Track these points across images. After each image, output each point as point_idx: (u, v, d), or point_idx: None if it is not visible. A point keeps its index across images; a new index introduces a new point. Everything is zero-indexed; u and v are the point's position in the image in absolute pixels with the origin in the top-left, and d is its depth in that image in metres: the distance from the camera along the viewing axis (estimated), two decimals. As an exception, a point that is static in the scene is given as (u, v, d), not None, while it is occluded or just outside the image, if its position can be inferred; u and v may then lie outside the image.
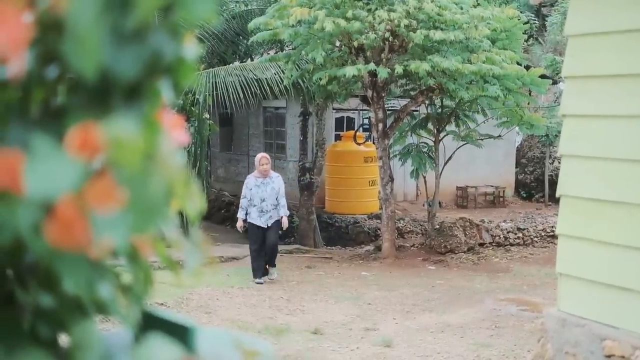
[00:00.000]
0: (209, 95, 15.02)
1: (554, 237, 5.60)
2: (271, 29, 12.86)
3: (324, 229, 17.07)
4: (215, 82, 15.07)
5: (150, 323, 1.23)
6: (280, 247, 15.34)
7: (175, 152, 1.21)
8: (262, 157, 11.26)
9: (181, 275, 1.24)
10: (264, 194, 11.02)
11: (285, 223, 11.24)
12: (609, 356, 5.10)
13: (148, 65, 1.08)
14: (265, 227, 11.11)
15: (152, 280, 1.21)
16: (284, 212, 11.16)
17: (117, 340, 1.21)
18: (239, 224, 11.25)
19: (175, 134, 1.21)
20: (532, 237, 16.09)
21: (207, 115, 15.88)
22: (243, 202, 11.20)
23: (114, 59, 1.03)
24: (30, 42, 1.01)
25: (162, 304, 9.04)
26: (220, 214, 20.35)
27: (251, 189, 11.09)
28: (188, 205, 1.23)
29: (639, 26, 4.92)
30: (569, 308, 5.47)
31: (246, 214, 11.15)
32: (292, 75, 13.77)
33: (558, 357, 5.48)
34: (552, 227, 14.90)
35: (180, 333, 1.20)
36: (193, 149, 15.12)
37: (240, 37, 16.99)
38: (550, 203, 19.55)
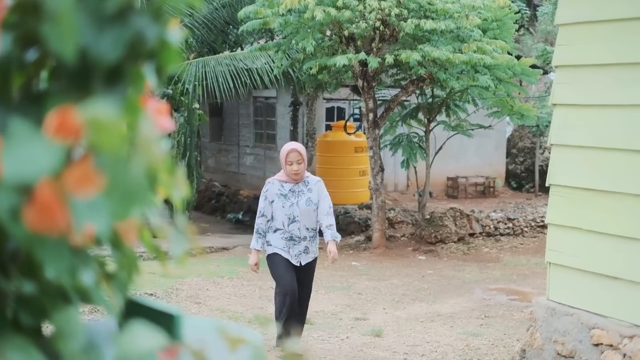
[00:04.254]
0: (199, 84, 14.97)
1: (544, 227, 5.60)
2: (261, 18, 12.80)
3: (314, 219, 17.04)
4: (205, 71, 15.02)
5: (135, 311, 1.22)
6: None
7: (160, 138, 1.20)
8: (291, 151, 6.66)
9: (168, 264, 1.23)
10: (295, 210, 6.61)
11: (334, 252, 6.57)
12: (597, 345, 5.11)
13: (130, 48, 1.07)
14: (298, 265, 6.69)
15: (138, 268, 1.20)
16: (331, 235, 6.62)
17: (101, 328, 1.19)
18: (252, 261, 6.79)
19: (160, 120, 1.19)
20: (522, 227, 16.11)
21: (197, 105, 15.83)
22: (259, 222, 6.73)
23: (94, 40, 1.01)
24: (9, 24, 0.99)
25: (152, 294, 9.03)
26: (211, 204, 20.33)
27: (273, 201, 6.64)
28: (173, 192, 1.21)
29: (629, 15, 4.92)
30: (558, 297, 5.48)
31: (263, 242, 6.80)
32: (282, 65, 13.74)
33: (547, 345, 5.49)
34: (542, 217, 14.92)
35: (165, 321, 1.19)
36: (183, 139, 15.07)
37: (230, 26, 16.93)
38: (540, 193, 19.58)
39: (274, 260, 6.71)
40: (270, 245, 6.73)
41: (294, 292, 6.60)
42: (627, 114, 4.94)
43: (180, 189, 1.21)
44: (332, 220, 6.72)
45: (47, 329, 1.06)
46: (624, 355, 4.93)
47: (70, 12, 0.94)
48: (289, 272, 6.66)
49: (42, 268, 0.98)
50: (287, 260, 6.67)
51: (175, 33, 1.15)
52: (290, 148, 6.74)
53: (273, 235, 6.70)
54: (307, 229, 6.69)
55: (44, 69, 1.07)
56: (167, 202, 1.21)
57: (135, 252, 1.17)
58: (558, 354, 5.41)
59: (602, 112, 5.13)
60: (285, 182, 6.72)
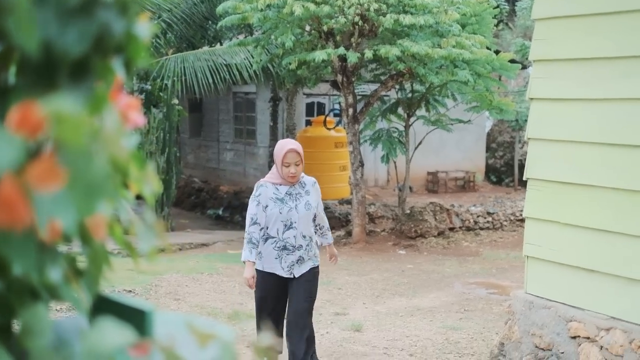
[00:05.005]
0: (178, 80, 14.92)
1: (523, 220, 5.64)
2: (240, 13, 12.76)
3: (294, 215, 17.02)
4: (184, 67, 14.97)
5: (106, 307, 1.21)
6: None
7: (128, 133, 1.19)
8: (289, 151, 5.80)
9: (139, 259, 1.23)
10: (293, 216, 5.84)
11: (335, 254, 6.46)
12: (574, 337, 5.14)
13: (96, 42, 1.06)
14: (291, 277, 5.92)
15: (109, 264, 1.19)
16: (329, 239, 6.32)
17: (71, 325, 1.18)
18: (248, 274, 5.78)
19: (130, 114, 1.18)
20: (501, 221, 16.18)
21: (176, 101, 15.79)
22: (251, 231, 5.81)
23: (58, 34, 1.00)
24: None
25: (130, 291, 9.00)
26: (190, 200, 20.27)
27: (267, 206, 5.82)
28: (144, 187, 1.20)
29: (605, 10, 4.94)
30: (536, 290, 5.50)
31: (256, 253, 5.89)
32: (261, 60, 13.71)
33: (525, 338, 5.52)
34: (521, 211, 14.97)
35: (136, 317, 1.18)
36: (162, 134, 15.02)
37: (209, 22, 16.86)
38: (519, 187, 19.67)
39: (259, 281, 5.84)
40: (261, 257, 5.86)
41: (275, 316, 5.97)
42: (603, 108, 4.97)
43: (150, 184, 1.21)
44: (327, 225, 6.27)
45: (16, 326, 1.05)
46: (601, 347, 4.96)
47: (27, 3, 0.93)
48: (273, 295, 5.90)
49: (9, 265, 0.97)
50: (275, 279, 5.85)
51: (144, 27, 1.14)
52: (288, 148, 5.76)
53: (264, 245, 5.83)
54: (304, 236, 5.85)
55: (11, 63, 1.06)
56: (140, 197, 1.20)
57: (105, 248, 1.16)
58: (536, 346, 5.43)
59: (579, 106, 5.15)
60: (280, 185, 5.85)
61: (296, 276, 5.89)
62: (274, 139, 17.11)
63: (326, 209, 17.25)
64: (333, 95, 17.64)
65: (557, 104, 5.33)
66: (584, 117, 5.11)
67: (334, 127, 16.96)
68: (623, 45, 4.84)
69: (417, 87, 14.89)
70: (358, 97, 14.37)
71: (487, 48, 13.50)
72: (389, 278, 10.90)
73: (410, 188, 18.33)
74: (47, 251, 1.05)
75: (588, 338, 5.07)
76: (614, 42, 4.89)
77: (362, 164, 13.83)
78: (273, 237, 5.84)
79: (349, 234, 14.35)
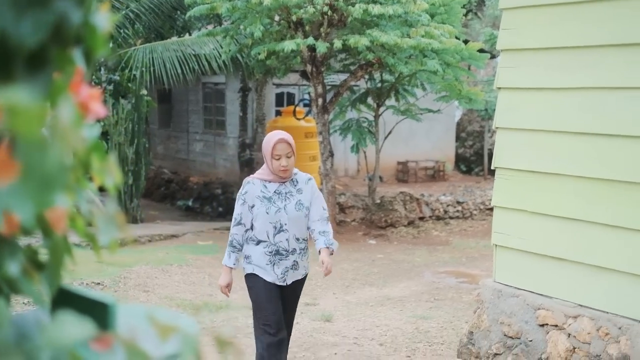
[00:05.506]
0: (146, 71, 14.82)
1: (492, 209, 5.67)
2: (208, 3, 12.69)
3: (265, 205, 17.00)
4: (153, 57, 14.88)
5: (68, 301, 1.20)
6: (220, 224, 15.31)
7: (90, 124, 1.17)
8: (278, 142, 5.20)
9: (101, 251, 1.21)
10: (282, 217, 5.22)
11: (328, 263, 5.19)
12: (542, 325, 5.18)
13: (53, 33, 1.04)
14: (284, 284, 5.30)
15: (71, 257, 1.18)
16: (325, 242, 5.26)
17: (32, 319, 1.17)
18: (223, 281, 5.34)
19: (91, 106, 1.17)
20: (471, 210, 16.27)
21: (145, 92, 15.69)
22: (234, 233, 5.31)
23: (13, 24, 0.99)
24: None
25: (99, 283, 8.94)
26: (160, 191, 20.18)
27: (253, 206, 5.24)
28: (105, 179, 1.19)
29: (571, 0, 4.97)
30: (504, 279, 5.53)
31: (237, 258, 5.37)
32: (230, 50, 13.65)
33: (494, 327, 5.55)
34: (491, 200, 15.09)
35: (99, 310, 1.17)
36: (130, 125, 14.92)
37: (178, 12, 16.77)
38: (489, 176, 19.78)
39: (255, 285, 5.25)
40: (251, 262, 5.25)
41: (282, 330, 5.27)
42: (570, 97, 5.00)
43: (112, 175, 1.19)
44: (328, 227, 5.36)
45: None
46: (569, 335, 5.00)
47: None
48: (274, 303, 5.23)
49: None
50: (271, 284, 5.23)
51: (103, 17, 1.13)
52: (277, 138, 5.19)
53: (254, 248, 5.22)
54: (297, 239, 5.25)
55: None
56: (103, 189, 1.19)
57: (67, 241, 1.15)
58: (505, 335, 5.47)
59: (546, 95, 5.18)
60: (269, 182, 5.26)
61: (288, 283, 5.26)
62: (243, 130, 17.07)
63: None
64: (303, 85, 17.61)
65: (524, 93, 5.35)
66: (551, 106, 5.13)
67: (304, 117, 16.93)
68: (589, 35, 4.87)
69: (386, 77, 14.92)
70: (327, 87, 14.37)
71: (456, 38, 13.53)
72: (359, 268, 10.92)
73: (381, 178, 18.38)
74: (5, 244, 1.03)
75: (556, 326, 5.11)
76: (580, 31, 4.92)
77: (331, 154, 13.83)
78: (264, 241, 5.18)
79: (319, 224, 14.33)
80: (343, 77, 14.70)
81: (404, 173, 19.81)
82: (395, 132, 16.09)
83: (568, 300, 5.11)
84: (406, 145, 19.53)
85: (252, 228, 5.24)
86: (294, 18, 12.33)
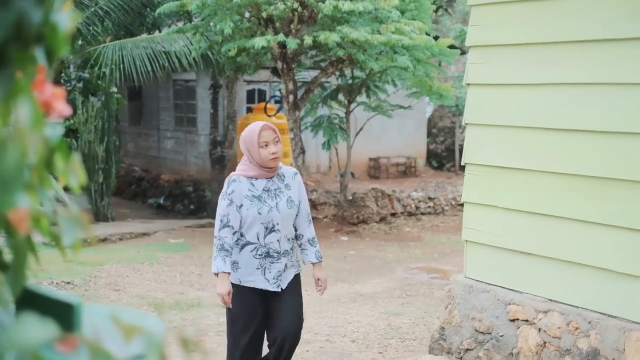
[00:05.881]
0: (116, 68, 14.72)
1: (463, 205, 5.70)
2: (178, 0, 12.63)
3: (237, 202, 16.98)
4: (122, 54, 14.78)
5: (33, 301, 1.19)
6: (192, 222, 15.25)
7: (52, 123, 1.16)
8: (263, 128, 4.85)
9: (65, 251, 1.20)
10: (275, 216, 4.83)
11: (325, 280, 5.19)
12: (513, 320, 5.21)
13: (13, 31, 1.03)
14: (278, 289, 4.89)
15: (36, 257, 1.17)
16: (317, 256, 5.11)
17: (-3, 320, 1.16)
18: (224, 289, 4.69)
19: (55, 104, 1.16)
20: (442, 206, 16.33)
21: (115, 89, 15.59)
22: (223, 236, 4.74)
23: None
24: None
25: (69, 282, 8.88)
26: (131, 189, 20.07)
27: (241, 206, 4.80)
28: (69, 178, 1.18)
29: (540, -5, 4.99)
30: (475, 274, 5.55)
31: (231, 262, 4.81)
32: (200, 47, 13.59)
33: (465, 322, 5.57)
34: (462, 195, 15.18)
35: (64, 311, 1.16)
36: (100, 123, 14.83)
37: (147, 9, 16.67)
38: (460, 172, 19.84)
39: (234, 304, 4.76)
40: (237, 268, 4.79)
41: (254, 343, 4.92)
42: (538, 92, 5.02)
43: (76, 175, 1.18)
44: (314, 232, 5.13)
45: None
46: (539, 329, 5.03)
47: None
48: (253, 315, 4.83)
49: None
50: (258, 295, 4.82)
51: (65, 16, 1.11)
52: (260, 125, 4.84)
53: (241, 253, 4.78)
54: (288, 239, 4.87)
55: None
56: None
57: (31, 241, 1.14)
58: (476, 330, 5.49)
59: (514, 91, 5.20)
60: (256, 178, 4.84)
61: (283, 288, 4.86)
62: (214, 127, 17.01)
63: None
64: (274, 82, 17.58)
65: (493, 89, 5.37)
66: (520, 102, 5.16)
67: (275, 114, 16.91)
68: (556, 31, 4.90)
69: (357, 73, 14.92)
70: (298, 84, 14.35)
71: (427, 34, 13.55)
72: (331, 264, 10.92)
73: (352, 174, 18.39)
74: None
75: (527, 321, 5.13)
76: (547, 27, 4.95)
77: (303, 151, 13.82)
78: (252, 243, 4.76)
79: (291, 221, 14.32)
80: (314, 73, 14.69)
81: (375, 169, 19.84)
82: (367, 129, 16.11)
83: (538, 295, 5.14)
84: (378, 142, 19.55)
85: (241, 229, 4.77)
86: (264, 15, 12.29)
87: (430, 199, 16.34)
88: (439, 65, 16.01)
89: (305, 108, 15.26)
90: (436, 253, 12.01)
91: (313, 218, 14.56)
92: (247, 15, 13.09)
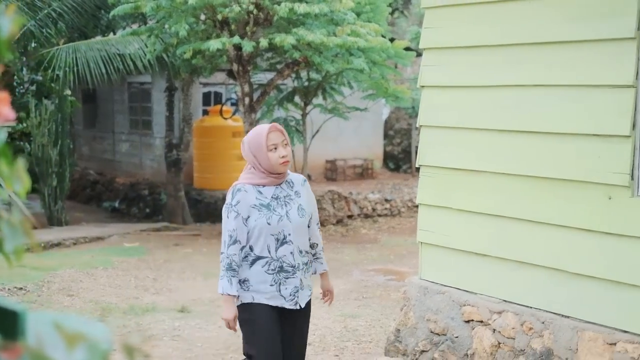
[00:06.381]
0: (70, 70, 14.55)
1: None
2: (132, 2, 12.53)
3: (192, 206, 16.89)
4: (76, 57, 14.60)
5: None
6: (147, 225, 15.14)
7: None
8: (271, 130, 4.41)
9: (9, 257, 1.18)
10: (286, 226, 4.38)
11: (332, 290, 4.94)
12: (468, 321, 5.23)
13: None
14: (296, 307, 4.42)
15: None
16: (324, 265, 4.77)
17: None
18: (229, 315, 4.33)
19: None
20: (399, 207, 16.38)
21: (69, 92, 15.42)
22: (231, 254, 4.29)
23: None
24: None
25: (22, 288, 8.75)
26: (86, 193, 19.87)
27: (248, 217, 4.33)
28: (14, 183, 1.16)
29: (492, -2, 5.03)
30: (430, 276, 5.57)
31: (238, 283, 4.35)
32: (155, 50, 13.48)
33: (420, 324, 5.58)
34: (418, 197, 15.25)
35: (8, 318, 1.14)
36: (54, 126, 14.64)
37: (102, 11, 16.50)
38: (417, 174, 19.83)
39: (254, 317, 4.32)
40: (248, 286, 4.32)
41: None
42: (491, 95, 5.06)
43: (21, 180, 1.16)
44: (319, 235, 4.73)
45: None
46: (494, 330, 5.06)
47: None
48: (276, 342, 4.35)
49: None
50: (276, 314, 4.35)
51: (5, 21, 1.09)
52: (267, 127, 4.41)
53: (251, 269, 4.32)
54: (301, 252, 4.43)
55: None
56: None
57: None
58: (431, 331, 5.50)
59: (467, 93, 5.23)
60: (264, 186, 4.38)
61: (302, 306, 4.42)
62: (170, 130, 16.89)
63: (224, 199, 17.15)
64: (230, 84, 17.53)
65: (447, 91, 5.40)
66: (473, 104, 5.19)
67: (231, 117, 16.87)
68: (507, 33, 4.93)
69: (313, 75, 14.94)
70: (255, 86, 14.32)
71: (382, 36, 13.61)
72: (288, 267, 10.89)
73: (309, 176, 18.38)
74: None
75: (481, 322, 5.16)
76: (499, 30, 4.98)
77: (259, 154, 13.77)
78: (264, 258, 4.30)
79: (247, 224, 14.28)
80: (270, 76, 14.66)
81: (332, 171, 19.86)
82: (324, 131, 16.13)
83: (493, 296, 5.17)
84: (335, 144, 19.58)
85: (249, 243, 4.32)
86: (219, 17, 12.25)
87: (386, 200, 16.39)
88: (395, 67, 16.09)
89: (262, 110, 15.24)
90: (393, 255, 12.04)
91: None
92: (202, 17, 13.03)
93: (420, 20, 26.67)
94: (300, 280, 4.39)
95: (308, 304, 4.51)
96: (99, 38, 15.87)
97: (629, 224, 4.35)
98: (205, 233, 14.36)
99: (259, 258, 4.31)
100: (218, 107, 17.11)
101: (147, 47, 13.77)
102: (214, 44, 11.91)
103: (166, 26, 12.90)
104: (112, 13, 13.45)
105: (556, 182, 4.71)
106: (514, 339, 4.94)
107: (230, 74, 14.13)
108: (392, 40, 14.33)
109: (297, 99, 15.56)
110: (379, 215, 15.92)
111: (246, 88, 13.42)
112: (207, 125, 17.41)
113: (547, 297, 4.81)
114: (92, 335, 1.16)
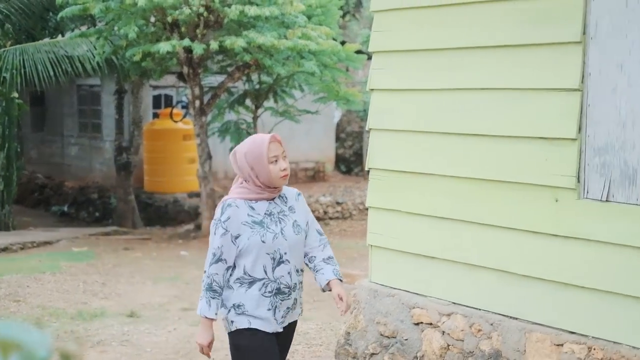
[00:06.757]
0: (17, 73, 14.33)
1: (368, 209, 5.75)
2: (81, 4, 12.40)
3: (143, 209, 16.76)
4: (24, 59, 14.39)
5: None
6: (96, 230, 14.97)
7: None
8: (272, 140, 4.14)
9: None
10: (282, 244, 4.04)
11: (347, 298, 4.42)
12: (417, 324, 5.24)
13: None
14: (280, 329, 4.11)
15: None
16: (335, 272, 4.33)
17: None
18: (205, 339, 4.11)
19: None
20: (350, 210, 16.42)
21: (16, 94, 15.19)
22: (213, 272, 3.97)
23: None
24: None
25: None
26: (34, 197, 19.60)
27: (238, 236, 3.97)
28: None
29: (439, 2, 5.04)
30: (380, 279, 5.57)
31: (218, 305, 4.04)
32: (104, 52, 13.36)
33: (370, 327, 5.58)
34: (370, 200, 15.29)
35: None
36: (1, 130, 14.43)
37: (50, 12, 16.28)
38: (369, 177, 19.99)
39: (253, 345, 4.00)
40: (244, 312, 3.96)
41: None
42: (437, 97, 5.07)
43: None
44: (331, 251, 4.42)
45: None
46: (443, 332, 5.07)
47: None
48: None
49: None
50: (272, 341, 4.03)
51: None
52: (268, 137, 4.08)
53: (247, 292, 3.96)
54: (297, 271, 4.12)
55: None
56: None
57: None
58: (381, 334, 5.50)
59: (415, 96, 5.24)
60: (256, 201, 4.03)
61: (284, 327, 4.11)
62: (120, 133, 16.73)
63: (175, 202, 17.11)
64: (180, 87, 17.42)
65: (396, 94, 5.40)
66: (421, 108, 5.20)
67: (181, 120, 16.77)
68: (455, 37, 4.95)
69: (264, 78, 14.92)
70: (205, 89, 14.27)
71: (333, 39, 13.64)
72: (239, 271, 10.84)
73: (260, 179, 18.31)
74: None
75: (430, 324, 5.17)
76: (446, 33, 5.00)
77: (210, 157, 13.73)
78: (260, 280, 3.95)
79: (198, 227, 14.22)
80: (221, 78, 14.62)
81: (284, 174, 19.81)
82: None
83: (442, 298, 5.18)
84: (286, 147, 19.52)
85: (235, 266, 3.97)
86: (169, 19, 12.17)
87: (338, 203, 16.41)
88: (347, 70, 16.12)
89: (212, 113, 15.18)
90: (344, 258, 12.04)
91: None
92: (152, 19, 12.93)
93: (372, 23, 26.78)
94: (295, 299, 4.11)
95: (290, 327, 4.21)
96: (47, 40, 15.65)
97: (575, 226, 4.39)
98: (155, 237, 14.25)
99: (255, 280, 3.94)
100: (168, 110, 17.01)
101: (96, 49, 13.63)
102: (163, 47, 11.83)
103: (115, 28, 12.79)
104: (60, 15, 13.29)
105: (504, 185, 4.74)
106: (462, 340, 4.96)
107: (181, 76, 14.05)
108: (343, 43, 14.37)
109: (248, 101, 15.52)
110: (331, 218, 15.94)
111: (197, 91, 13.36)
112: (157, 128, 17.29)
113: (496, 299, 4.84)
114: (28, 343, 1.13)
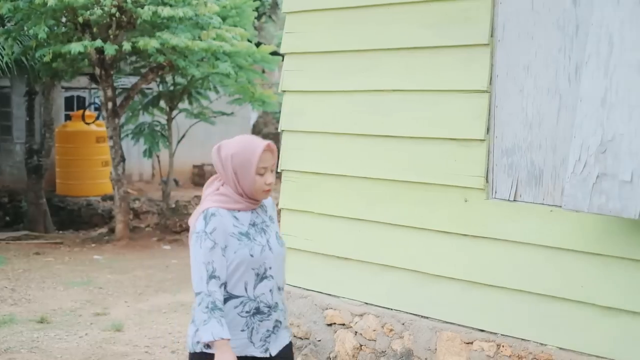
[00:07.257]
0: None
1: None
2: (-12, 4, 12.09)
3: (55, 213, 16.41)
4: None
5: None
6: (6, 234, 14.60)
7: None
8: (266, 149, 3.53)
9: None
10: (268, 257, 3.53)
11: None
12: (330, 324, 5.25)
13: None
14: (267, 355, 3.55)
15: None
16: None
17: None
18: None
19: None
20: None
21: None
22: (212, 290, 3.34)
23: None
24: None
25: None
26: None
27: (225, 247, 3.43)
28: None
29: (350, 4, 5.07)
30: (294, 281, 5.56)
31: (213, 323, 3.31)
32: (13, 52, 13.04)
33: (284, 329, 5.57)
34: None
35: None
36: None
37: (-44, 12, 15.82)
38: (284, 178, 20.00)
39: None
40: (229, 328, 3.37)
41: None
42: (350, 99, 5.10)
43: None
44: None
45: None
46: (356, 332, 5.09)
47: None
48: None
49: None
50: None
51: None
52: (263, 145, 3.54)
53: (236, 309, 3.49)
54: (279, 289, 3.66)
55: None
56: None
57: None
58: (294, 336, 5.50)
59: (328, 98, 5.26)
60: (239, 210, 3.56)
61: (272, 355, 3.56)
62: (30, 135, 16.34)
63: (89, 205, 16.80)
64: (93, 88, 17.15)
65: (308, 96, 5.41)
66: (333, 109, 5.22)
67: (94, 122, 16.50)
68: (365, 39, 4.99)
69: (178, 80, 14.80)
70: (118, 91, 14.06)
71: (249, 40, 13.61)
72: (153, 275, 10.72)
73: (177, 182, 18.20)
74: None
75: (343, 324, 5.19)
76: (357, 35, 5.03)
77: (123, 159, 13.53)
78: (238, 297, 3.47)
79: (112, 231, 14.00)
80: (134, 80, 14.43)
81: (200, 176, 19.69)
82: (191, 136, 15.96)
83: (354, 299, 5.20)
84: (202, 149, 19.41)
85: (231, 280, 3.48)
86: (80, 19, 11.96)
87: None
88: (263, 72, 16.11)
89: (126, 115, 15.00)
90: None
91: (135, 227, 14.29)
92: (63, 20, 12.68)
93: (288, 25, 26.76)
94: (277, 320, 3.60)
95: (287, 348, 3.70)
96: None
97: (484, 225, 4.46)
98: (67, 241, 13.97)
99: (231, 297, 3.46)
100: (81, 112, 16.72)
101: (4, 49, 13.29)
102: (75, 47, 11.63)
103: (25, 28, 12.50)
104: (-34, 14, 12.93)
105: (415, 186, 4.78)
106: (375, 340, 4.99)
107: (93, 78, 13.81)
108: (258, 44, 14.36)
109: (162, 103, 15.37)
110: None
111: (109, 92, 13.16)
112: (69, 131, 16.98)
113: (408, 298, 4.88)
114: None
